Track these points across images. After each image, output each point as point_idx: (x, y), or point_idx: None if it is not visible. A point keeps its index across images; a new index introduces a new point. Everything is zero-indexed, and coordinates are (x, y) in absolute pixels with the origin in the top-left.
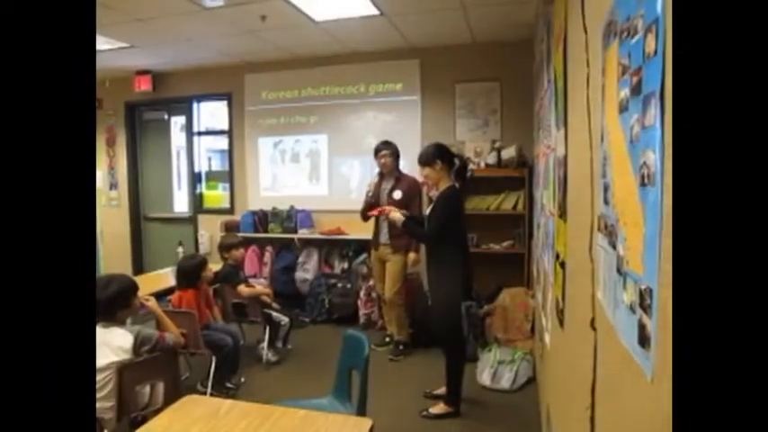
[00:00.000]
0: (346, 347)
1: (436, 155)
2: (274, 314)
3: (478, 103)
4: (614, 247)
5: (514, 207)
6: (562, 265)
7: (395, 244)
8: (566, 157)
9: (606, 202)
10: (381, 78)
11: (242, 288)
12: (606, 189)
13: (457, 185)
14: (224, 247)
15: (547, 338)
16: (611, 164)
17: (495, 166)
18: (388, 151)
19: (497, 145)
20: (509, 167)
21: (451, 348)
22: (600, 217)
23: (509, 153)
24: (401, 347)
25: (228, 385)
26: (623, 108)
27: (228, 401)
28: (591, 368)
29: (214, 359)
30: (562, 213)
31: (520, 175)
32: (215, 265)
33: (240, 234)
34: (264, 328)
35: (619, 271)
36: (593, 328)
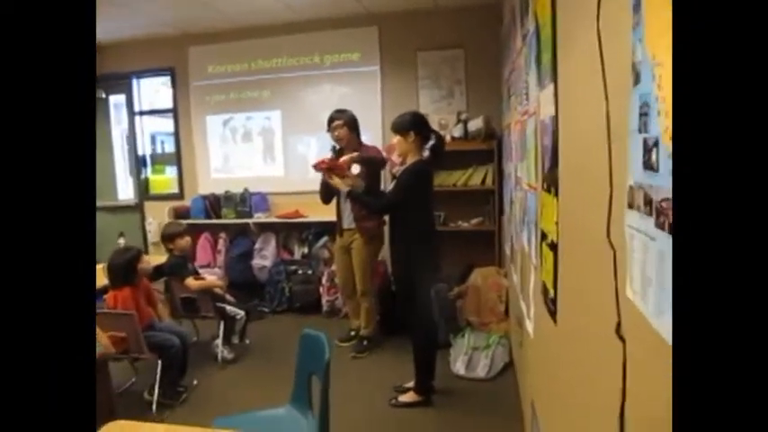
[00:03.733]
0: (304, 349)
1: (410, 124)
2: (228, 308)
3: (442, 72)
4: (668, 230)
5: (483, 182)
6: (552, 246)
7: (362, 227)
8: (555, 118)
9: (651, 166)
10: (337, 48)
11: (190, 281)
12: (651, 148)
13: (426, 162)
14: (167, 237)
15: (529, 326)
16: (662, 109)
17: (461, 138)
18: (341, 121)
19: (463, 117)
20: (476, 140)
21: (420, 334)
22: (636, 188)
23: (476, 125)
24: (365, 343)
25: (179, 389)
26: None
27: (161, 427)
28: (619, 389)
29: (160, 362)
30: (550, 186)
31: (488, 148)
32: (162, 257)
33: (191, 221)
34: (219, 324)
35: None
36: (621, 338)
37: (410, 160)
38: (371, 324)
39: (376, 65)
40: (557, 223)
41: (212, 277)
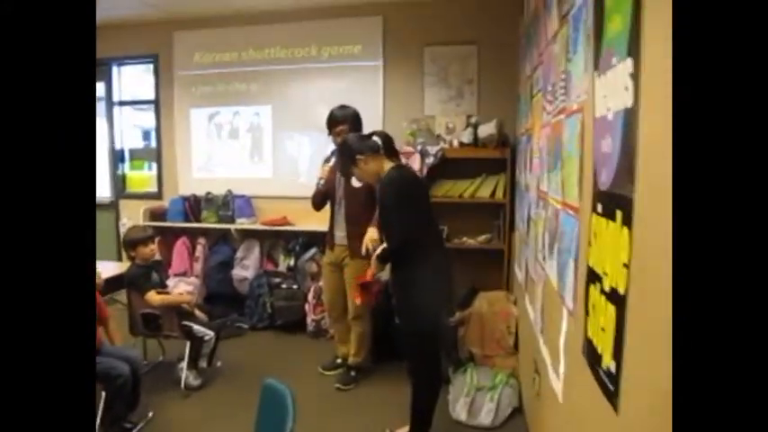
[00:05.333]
0: (264, 407)
1: (352, 151)
2: (196, 327)
3: (451, 69)
4: None
5: (492, 194)
6: (614, 297)
7: (354, 247)
8: (631, 111)
9: None
10: (337, 39)
11: (151, 295)
12: None
13: (399, 165)
14: (128, 244)
15: (555, 384)
16: None
17: (470, 144)
18: (345, 126)
19: (473, 120)
20: (487, 147)
21: (422, 378)
22: None
23: (487, 130)
24: (353, 374)
25: (126, 426)
26: None
27: None
28: None
29: (104, 395)
30: (612, 210)
31: (501, 156)
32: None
33: (168, 223)
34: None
35: None
36: None
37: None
38: (362, 352)
39: (378, 59)
40: (626, 266)
41: (183, 288)
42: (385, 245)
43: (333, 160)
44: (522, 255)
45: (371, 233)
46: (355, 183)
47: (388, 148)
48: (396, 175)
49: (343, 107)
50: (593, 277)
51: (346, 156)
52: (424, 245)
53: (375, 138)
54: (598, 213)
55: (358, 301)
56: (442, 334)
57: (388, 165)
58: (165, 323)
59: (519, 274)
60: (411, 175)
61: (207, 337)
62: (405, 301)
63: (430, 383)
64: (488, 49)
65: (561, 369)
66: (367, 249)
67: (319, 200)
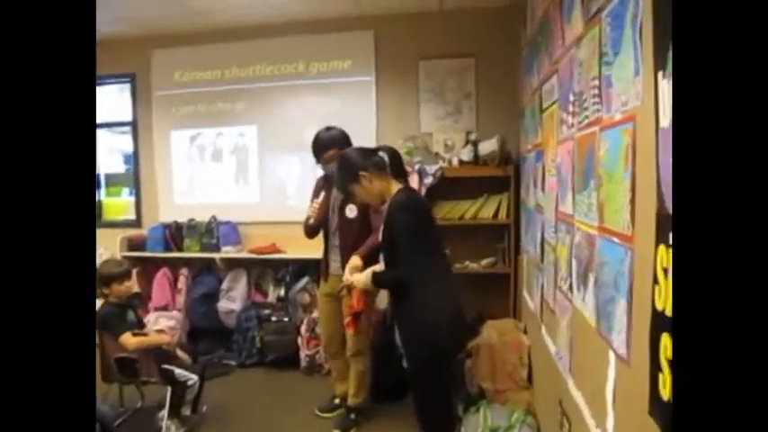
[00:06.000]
0: None
1: (355, 167)
2: (177, 371)
3: (448, 85)
4: None
5: (495, 215)
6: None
7: None
8: None
9: None
10: (326, 54)
11: (126, 338)
12: None
13: (408, 187)
14: (102, 280)
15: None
16: None
17: (471, 162)
18: (334, 150)
19: (473, 137)
20: (489, 165)
21: (431, 423)
22: None
23: (489, 147)
24: (353, 416)
25: None
26: None
27: None
28: None
29: None
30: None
31: (504, 174)
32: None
33: (147, 253)
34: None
35: None
36: None
37: (390, 197)
38: (362, 392)
39: (371, 75)
40: None
41: (164, 324)
42: (376, 268)
43: (322, 195)
44: (533, 281)
45: (353, 261)
46: (349, 213)
47: (395, 166)
48: (406, 199)
49: (328, 129)
50: (664, 324)
51: (346, 171)
52: (430, 271)
53: (381, 153)
54: (669, 245)
55: (351, 331)
56: (453, 370)
57: (395, 186)
58: (143, 368)
59: (530, 302)
60: (422, 200)
61: (190, 382)
62: (409, 332)
63: (440, 428)
64: (487, 62)
65: (609, 424)
66: (347, 286)
67: (311, 230)
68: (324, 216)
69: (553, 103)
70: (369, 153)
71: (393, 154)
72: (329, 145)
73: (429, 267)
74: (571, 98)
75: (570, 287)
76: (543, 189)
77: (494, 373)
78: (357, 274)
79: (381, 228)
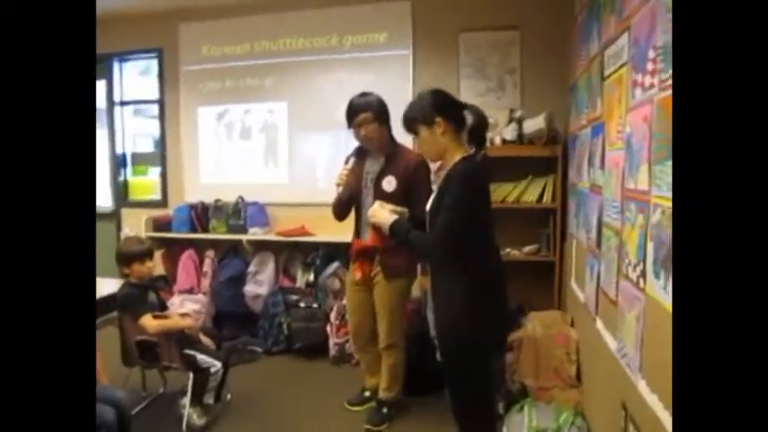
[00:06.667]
0: None
1: (433, 108)
2: (200, 356)
3: (490, 59)
4: None
5: (540, 198)
6: None
7: (386, 264)
8: None
9: None
10: (360, 27)
11: (146, 320)
12: None
13: (478, 156)
14: (123, 259)
15: None
16: None
17: (515, 142)
18: (368, 113)
19: (518, 115)
20: (535, 145)
21: (471, 421)
22: None
23: (535, 125)
24: (385, 411)
25: None
26: None
27: None
28: None
29: None
30: None
31: (551, 155)
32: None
33: (172, 234)
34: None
35: None
36: None
37: (451, 161)
38: (395, 386)
39: (407, 48)
40: None
41: (189, 308)
42: (402, 210)
43: (352, 161)
44: (587, 269)
45: (388, 205)
46: (387, 186)
47: (476, 132)
48: (473, 168)
49: (364, 94)
50: None
51: (425, 108)
52: (477, 265)
53: (466, 112)
54: None
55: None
56: (492, 366)
57: (461, 151)
58: (164, 352)
59: (579, 293)
60: (483, 178)
61: (213, 369)
62: (450, 338)
63: (480, 427)
64: (533, 35)
65: None
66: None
67: (341, 209)
68: (355, 188)
69: (622, 65)
70: (458, 105)
71: (479, 119)
72: (365, 107)
73: (473, 249)
74: (651, 54)
75: (643, 274)
76: (603, 167)
77: (537, 370)
78: (380, 210)
79: (433, 195)
